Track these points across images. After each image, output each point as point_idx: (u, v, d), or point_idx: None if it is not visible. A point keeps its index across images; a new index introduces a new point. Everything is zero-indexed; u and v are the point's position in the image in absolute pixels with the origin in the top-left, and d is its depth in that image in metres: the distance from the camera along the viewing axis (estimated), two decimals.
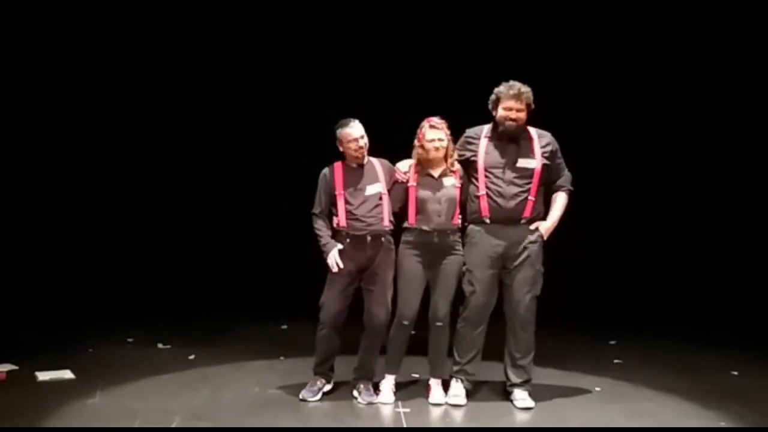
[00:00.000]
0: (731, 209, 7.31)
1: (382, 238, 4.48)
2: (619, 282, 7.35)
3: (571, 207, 4.59)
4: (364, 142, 4.46)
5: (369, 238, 4.44)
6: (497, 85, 4.49)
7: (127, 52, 7.31)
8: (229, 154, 7.59)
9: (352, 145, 4.43)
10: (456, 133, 4.58)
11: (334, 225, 4.51)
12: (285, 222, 6.71)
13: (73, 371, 4.95)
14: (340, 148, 4.51)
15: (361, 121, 4.50)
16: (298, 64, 7.36)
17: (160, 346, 5.79)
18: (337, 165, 4.53)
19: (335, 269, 4.41)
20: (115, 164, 7.55)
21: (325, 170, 4.55)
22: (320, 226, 4.51)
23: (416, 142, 4.49)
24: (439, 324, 4.48)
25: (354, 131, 4.43)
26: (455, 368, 4.55)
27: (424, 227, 4.43)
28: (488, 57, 6.86)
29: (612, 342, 6.09)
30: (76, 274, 7.25)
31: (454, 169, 4.49)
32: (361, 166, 4.50)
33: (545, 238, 4.47)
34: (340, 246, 4.44)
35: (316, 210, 4.54)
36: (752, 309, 6.86)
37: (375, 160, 4.55)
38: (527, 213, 4.41)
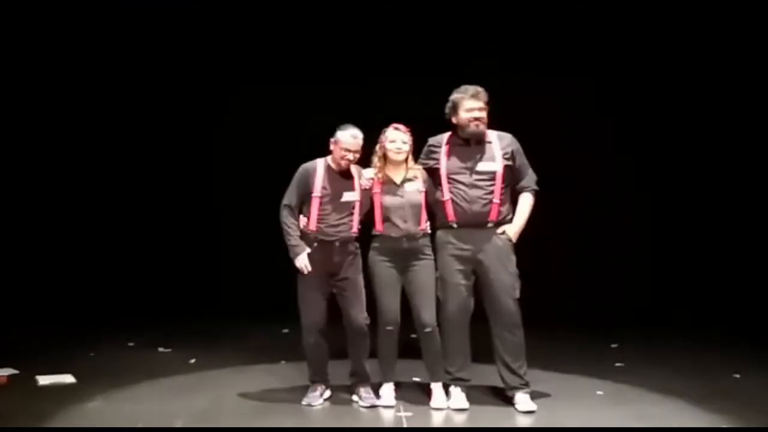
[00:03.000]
0: (734, 210, 7.30)
1: (349, 244, 4.48)
2: (620, 285, 7.33)
3: (538, 207, 4.55)
4: (355, 157, 4.42)
5: (337, 243, 4.43)
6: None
7: (126, 51, 7.34)
8: (233, 157, 7.59)
9: (342, 154, 4.39)
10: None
11: (302, 226, 4.47)
12: None
13: (74, 375, 4.95)
14: (331, 147, 4.46)
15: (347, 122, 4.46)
16: (290, 68, 7.38)
17: (160, 349, 5.79)
18: (320, 164, 4.48)
19: (305, 272, 4.39)
20: (116, 167, 7.56)
21: (307, 166, 4.49)
22: (291, 223, 4.43)
23: (377, 147, 4.51)
24: (427, 330, 4.45)
25: (353, 145, 4.38)
26: (449, 378, 4.53)
27: (392, 234, 4.44)
28: (486, 53, 6.88)
29: (614, 345, 6.08)
30: (76, 278, 7.26)
31: (414, 174, 4.49)
32: (342, 172, 4.48)
33: (513, 240, 4.48)
34: (308, 249, 4.41)
35: (290, 203, 4.45)
36: (754, 311, 6.85)
37: (354, 167, 4.51)
38: (493, 216, 4.42)
